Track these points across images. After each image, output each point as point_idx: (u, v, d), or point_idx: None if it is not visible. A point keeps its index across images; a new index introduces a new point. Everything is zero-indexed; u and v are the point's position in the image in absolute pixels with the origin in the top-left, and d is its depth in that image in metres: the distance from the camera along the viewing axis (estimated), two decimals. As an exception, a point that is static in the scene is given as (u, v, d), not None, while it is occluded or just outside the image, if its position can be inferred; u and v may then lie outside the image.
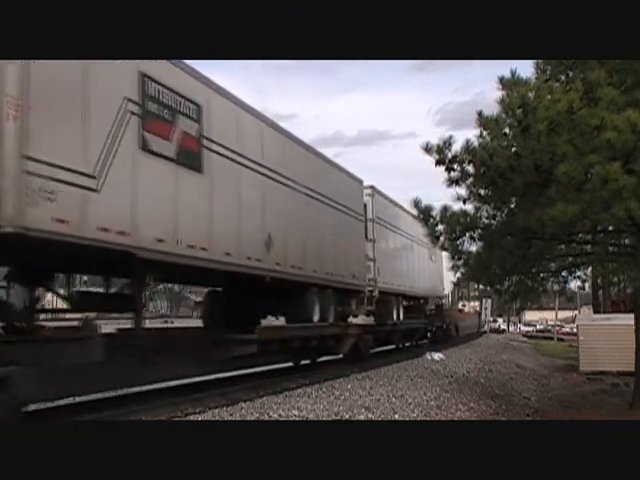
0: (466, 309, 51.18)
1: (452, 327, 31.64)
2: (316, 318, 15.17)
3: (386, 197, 22.23)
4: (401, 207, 23.12)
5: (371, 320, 19.30)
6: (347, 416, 9.24)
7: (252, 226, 12.31)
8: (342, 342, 16.78)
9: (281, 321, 14.52)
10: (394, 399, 10.93)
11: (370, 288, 19.32)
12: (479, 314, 47.05)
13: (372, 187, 20.33)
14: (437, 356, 20.14)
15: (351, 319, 18.14)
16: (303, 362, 16.49)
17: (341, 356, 17.62)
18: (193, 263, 10.33)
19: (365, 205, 19.48)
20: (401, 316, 23.05)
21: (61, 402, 10.26)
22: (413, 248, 25.55)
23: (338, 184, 17.08)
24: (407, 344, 25.49)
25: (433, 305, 29.88)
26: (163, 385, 11.84)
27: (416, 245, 25.59)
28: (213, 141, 10.99)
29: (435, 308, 29.89)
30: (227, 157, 11.45)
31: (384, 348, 22.66)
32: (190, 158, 10.29)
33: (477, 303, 52.78)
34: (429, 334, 28.72)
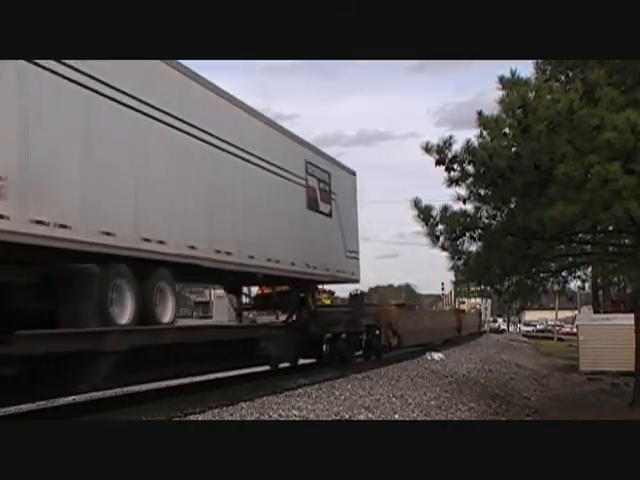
0: (444, 308, 45.35)
1: (387, 336, 19.21)
2: None
3: None
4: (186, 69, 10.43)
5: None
6: (347, 416, 9.24)
7: None
8: None
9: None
10: (394, 399, 10.93)
11: None
12: (458, 313, 35.47)
13: None
14: (437, 356, 20.15)
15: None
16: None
17: None
18: None
19: None
20: (168, 315, 10.01)
21: (61, 402, 10.29)
22: (241, 170, 12.09)
23: None
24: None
25: (353, 297, 18.92)
26: (164, 384, 11.84)
27: (250, 167, 12.38)
28: None
29: (350, 302, 18.74)
30: None
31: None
32: None
33: (477, 300, 49.77)
34: (325, 348, 16.10)
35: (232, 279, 13.71)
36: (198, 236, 10.50)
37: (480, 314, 46.44)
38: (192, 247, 10.24)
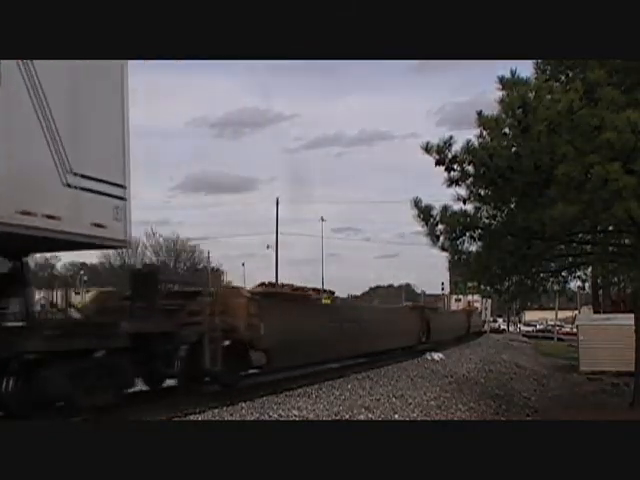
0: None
1: (239, 350, 11.04)
2: None
3: None
4: None
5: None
6: (347, 416, 9.24)
7: None
8: None
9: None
10: (394, 399, 10.93)
11: None
12: (424, 311, 25.12)
13: None
14: (437, 356, 20.13)
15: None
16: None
17: None
18: None
19: None
20: None
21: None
22: None
23: None
24: None
25: (136, 278, 10.68)
26: (163, 385, 11.80)
27: None
28: None
29: (133, 287, 10.02)
30: None
31: None
32: None
33: (476, 297, 45.56)
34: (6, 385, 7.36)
35: None
36: None
37: (470, 313, 36.28)
38: None
